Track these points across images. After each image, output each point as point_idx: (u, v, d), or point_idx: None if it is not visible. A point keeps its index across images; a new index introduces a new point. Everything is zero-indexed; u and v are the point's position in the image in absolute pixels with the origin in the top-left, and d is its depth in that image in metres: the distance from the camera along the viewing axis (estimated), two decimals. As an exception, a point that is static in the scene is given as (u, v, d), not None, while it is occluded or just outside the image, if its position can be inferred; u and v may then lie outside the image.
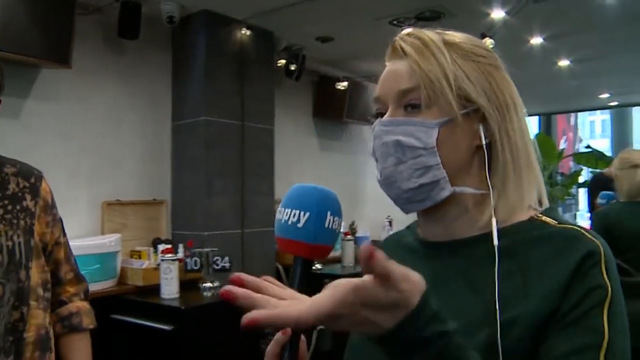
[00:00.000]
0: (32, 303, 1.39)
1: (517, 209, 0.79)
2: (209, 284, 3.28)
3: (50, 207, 1.49)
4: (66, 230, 1.58)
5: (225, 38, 4.04)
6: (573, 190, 9.10)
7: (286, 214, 0.72)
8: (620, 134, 12.49)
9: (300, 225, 0.71)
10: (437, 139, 0.78)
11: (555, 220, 0.79)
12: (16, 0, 2.98)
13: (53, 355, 1.45)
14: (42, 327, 1.41)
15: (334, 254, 4.79)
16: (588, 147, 8.82)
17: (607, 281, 0.72)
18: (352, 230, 5.48)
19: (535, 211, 0.81)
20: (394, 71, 0.82)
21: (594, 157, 8.22)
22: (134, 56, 3.87)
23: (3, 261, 1.34)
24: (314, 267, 4.31)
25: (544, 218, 0.80)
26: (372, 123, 0.86)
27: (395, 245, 0.95)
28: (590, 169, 8.71)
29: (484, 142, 0.78)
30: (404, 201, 0.84)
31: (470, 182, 0.80)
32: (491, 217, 0.78)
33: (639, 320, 3.03)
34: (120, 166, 3.79)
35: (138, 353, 3.13)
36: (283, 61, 4.76)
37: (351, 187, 5.99)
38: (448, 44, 0.80)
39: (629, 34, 4.74)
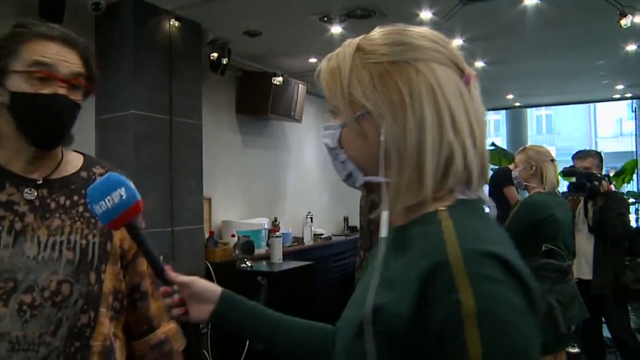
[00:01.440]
0: (102, 310, 1.30)
1: (422, 197, 0.85)
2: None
3: None
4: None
5: (154, 29, 3.88)
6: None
7: (100, 205, 1.08)
8: (515, 133, 13.21)
9: (112, 205, 1.09)
10: (339, 139, 0.93)
11: (449, 216, 0.82)
12: None
13: None
14: (108, 337, 1.32)
15: (261, 251, 4.75)
16: (493, 144, 9.23)
17: (464, 292, 0.72)
18: (275, 226, 5.45)
19: (444, 203, 0.85)
20: None
21: (497, 154, 8.62)
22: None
23: (74, 259, 1.28)
24: (243, 266, 4.26)
25: (442, 212, 0.83)
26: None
27: None
28: (492, 165, 9.12)
29: (381, 139, 0.87)
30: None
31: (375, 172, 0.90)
32: (386, 206, 0.88)
33: (569, 301, 3.22)
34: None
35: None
36: (215, 54, 4.63)
37: (273, 183, 5.96)
38: (358, 50, 0.91)
39: (540, 41, 5.01)
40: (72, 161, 1.41)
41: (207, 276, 4.22)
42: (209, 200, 4.84)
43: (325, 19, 4.25)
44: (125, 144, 3.72)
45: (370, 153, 0.89)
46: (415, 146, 0.83)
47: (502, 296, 0.72)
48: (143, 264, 1.44)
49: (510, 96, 7.90)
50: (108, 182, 1.10)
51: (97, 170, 1.42)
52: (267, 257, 4.70)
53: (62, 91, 1.26)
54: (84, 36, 1.39)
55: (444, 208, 0.83)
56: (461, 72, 0.89)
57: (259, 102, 5.33)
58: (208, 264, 4.26)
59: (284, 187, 6.14)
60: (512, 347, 0.71)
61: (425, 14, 4.16)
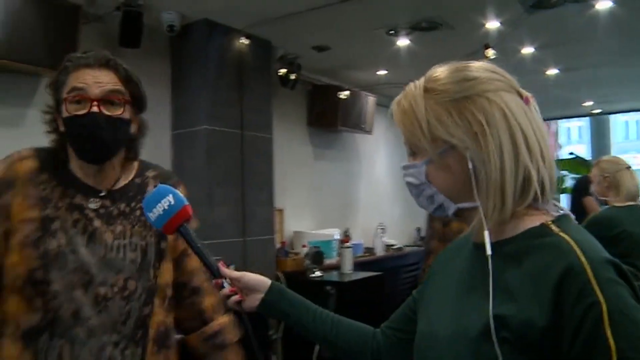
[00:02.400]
0: (157, 301, 1.48)
1: (503, 215, 0.93)
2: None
3: None
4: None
5: (225, 47, 4.06)
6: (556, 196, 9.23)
7: (154, 213, 1.21)
8: (599, 140, 12.73)
9: (163, 211, 1.21)
10: (426, 175, 0.99)
11: (559, 228, 0.90)
12: (22, 9, 2.96)
13: (171, 352, 1.53)
14: (162, 324, 1.50)
15: (332, 261, 4.83)
16: (571, 153, 8.97)
17: (599, 294, 0.81)
18: (346, 237, 5.51)
19: (550, 216, 0.93)
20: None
21: (576, 163, 8.36)
22: (134, 65, 3.80)
23: (137, 259, 1.46)
24: (312, 275, 4.35)
25: (551, 225, 0.91)
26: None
27: (467, 240, 1.09)
28: (572, 175, 8.84)
29: (470, 167, 0.93)
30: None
31: (473, 198, 0.96)
32: (485, 226, 0.93)
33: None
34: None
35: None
36: (284, 70, 4.78)
37: (344, 195, 6.03)
38: (427, 91, 0.98)
39: (617, 46, 4.86)
40: (131, 170, 1.56)
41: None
42: (281, 211, 4.98)
43: (392, 32, 4.30)
44: (198, 157, 3.90)
45: (455, 183, 0.97)
46: (499, 170, 0.91)
47: (626, 297, 0.82)
48: (192, 262, 1.58)
49: (589, 103, 7.65)
50: (158, 192, 1.23)
51: (150, 173, 1.57)
52: (337, 267, 4.76)
53: (95, 109, 1.38)
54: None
55: (550, 222, 0.92)
56: (520, 96, 0.97)
57: (328, 115, 5.44)
58: (279, 274, 4.37)
59: (355, 198, 6.20)
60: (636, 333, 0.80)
61: (492, 24, 4.14)
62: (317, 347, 3.70)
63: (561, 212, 0.95)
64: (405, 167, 1.03)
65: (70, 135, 1.42)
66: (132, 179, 1.54)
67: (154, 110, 3.92)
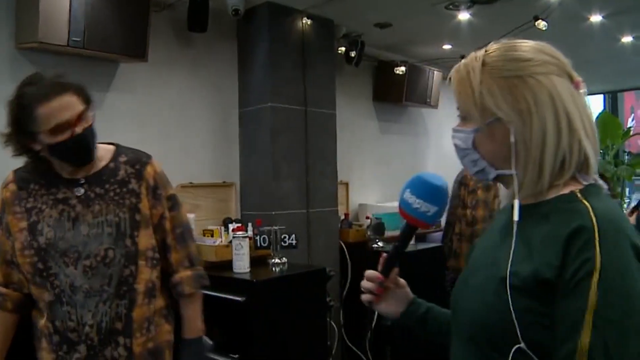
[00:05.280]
0: (141, 262, 1.89)
1: (539, 187, 1.04)
2: (277, 260, 3.51)
3: (153, 188, 1.92)
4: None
5: (288, 28, 4.24)
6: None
7: (418, 204, 1.16)
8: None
9: (429, 214, 1.16)
10: (473, 142, 1.09)
11: (583, 196, 1.00)
12: (100, 2, 3.25)
13: (158, 299, 1.94)
14: (150, 281, 1.91)
15: (393, 233, 4.97)
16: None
17: (597, 255, 0.90)
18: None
19: (580, 185, 1.03)
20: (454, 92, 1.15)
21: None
22: (202, 48, 4.12)
23: (113, 232, 1.84)
24: (375, 246, 4.51)
25: (577, 193, 1.01)
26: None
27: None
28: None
29: (512, 140, 1.04)
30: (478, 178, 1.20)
31: (508, 168, 1.07)
32: (517, 196, 1.05)
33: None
34: (192, 151, 4.06)
35: (212, 322, 3.39)
36: (343, 48, 4.92)
37: (411, 168, 6.12)
38: (484, 65, 1.07)
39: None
40: (104, 155, 1.93)
41: (341, 254, 4.54)
42: (346, 184, 5.15)
43: (451, 6, 4.33)
44: (264, 133, 4.13)
45: (497, 152, 1.07)
46: (539, 147, 1.01)
47: (627, 262, 0.91)
48: (167, 223, 1.96)
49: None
50: (438, 193, 1.18)
51: (122, 158, 1.94)
52: (400, 239, 4.89)
53: (77, 130, 1.76)
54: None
55: (578, 190, 1.01)
56: (571, 79, 1.07)
57: (393, 90, 5.54)
58: (342, 244, 4.56)
59: (422, 171, 6.26)
60: (627, 299, 0.89)
61: (553, -6, 4.09)
62: (376, 315, 3.86)
63: (592, 181, 1.04)
64: (455, 130, 1.12)
65: (59, 155, 1.80)
66: (107, 164, 1.92)
67: (222, 90, 4.26)
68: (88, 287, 1.80)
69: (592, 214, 0.94)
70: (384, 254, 1.27)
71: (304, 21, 4.32)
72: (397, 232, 4.99)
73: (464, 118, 1.11)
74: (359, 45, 4.96)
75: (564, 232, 0.94)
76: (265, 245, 3.50)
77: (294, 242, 3.51)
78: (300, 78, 4.30)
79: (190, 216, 3.67)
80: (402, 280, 1.32)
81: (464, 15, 4.47)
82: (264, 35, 4.15)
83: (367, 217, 4.82)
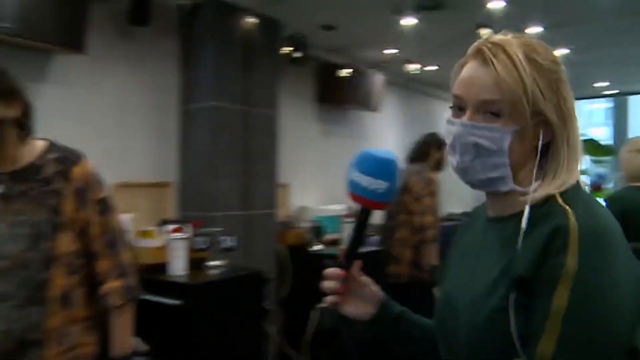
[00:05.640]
0: (58, 268, 1.72)
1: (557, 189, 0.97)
2: (215, 262, 3.43)
3: (81, 190, 1.77)
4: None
5: (233, 26, 4.16)
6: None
7: (367, 182, 1.04)
8: (620, 123, 12.60)
9: (380, 191, 1.03)
10: (509, 144, 0.96)
11: (562, 199, 0.95)
12: (33, -12, 3.09)
13: (75, 309, 1.77)
14: (65, 287, 1.74)
15: (336, 236, 4.96)
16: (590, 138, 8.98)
17: (571, 256, 0.86)
18: (350, 212, 5.62)
19: (559, 188, 0.97)
20: (477, 78, 0.99)
21: (591, 146, 8.35)
22: (144, 43, 3.99)
23: (31, 233, 1.69)
24: (313, 249, 4.49)
25: (557, 197, 0.95)
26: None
27: (477, 215, 1.15)
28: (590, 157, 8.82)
29: (540, 144, 0.97)
30: (473, 186, 1.04)
31: (524, 175, 1.00)
32: (525, 203, 0.96)
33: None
34: (130, 149, 3.92)
35: (148, 327, 3.28)
36: (288, 49, 4.87)
37: (352, 172, 6.12)
38: (529, 60, 0.96)
39: (628, 24, 4.84)
40: (33, 150, 1.77)
41: (278, 257, 4.50)
42: (286, 186, 5.11)
43: (396, 11, 4.35)
44: (203, 132, 4.04)
45: (523, 158, 0.99)
46: (577, 150, 0.99)
47: (603, 269, 0.86)
48: (94, 229, 1.79)
49: (602, 84, 7.59)
50: (388, 166, 1.07)
51: (52, 156, 1.77)
52: (338, 242, 4.89)
53: None
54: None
55: (559, 194, 0.95)
56: None
57: (335, 93, 5.54)
58: (280, 246, 4.52)
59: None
60: (595, 312, 0.85)
61: (496, 4, 4.16)
62: (314, 316, 3.84)
63: (570, 183, 0.98)
64: (476, 127, 0.98)
65: None
66: (32, 161, 1.76)
67: (163, 87, 4.11)
68: (2, 291, 1.67)
69: (571, 216, 0.90)
70: (343, 248, 1.16)
71: (249, 20, 4.24)
72: (336, 235, 5.00)
73: (496, 114, 0.96)
74: (302, 46, 4.92)
75: (543, 235, 0.90)
76: (204, 247, 3.42)
77: (233, 244, 3.44)
78: (243, 77, 4.23)
79: (127, 217, 3.56)
80: (365, 278, 1.19)
81: (409, 21, 4.50)
82: (208, 33, 4.05)
83: (307, 220, 4.80)
